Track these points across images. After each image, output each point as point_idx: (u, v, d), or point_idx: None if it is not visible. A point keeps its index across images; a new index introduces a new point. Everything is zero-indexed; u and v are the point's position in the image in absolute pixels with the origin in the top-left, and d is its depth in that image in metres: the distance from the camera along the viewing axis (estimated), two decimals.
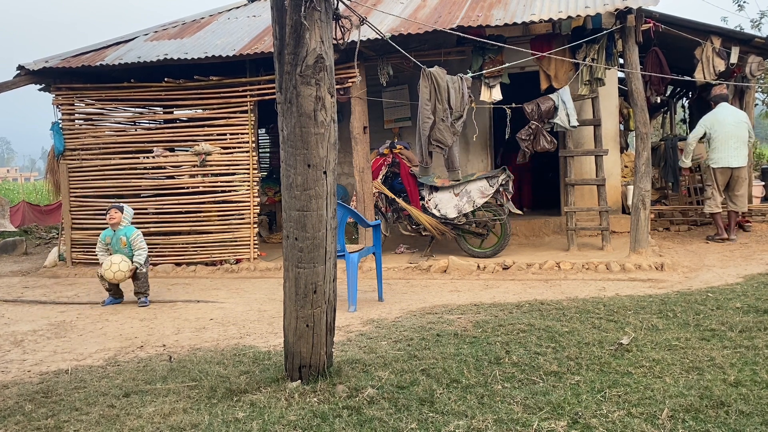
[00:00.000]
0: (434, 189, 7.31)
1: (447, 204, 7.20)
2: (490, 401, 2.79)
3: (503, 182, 7.03)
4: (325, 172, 3.01)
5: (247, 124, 7.71)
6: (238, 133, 7.79)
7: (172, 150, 8.33)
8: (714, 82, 7.83)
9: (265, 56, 7.12)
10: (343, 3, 3.36)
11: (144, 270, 5.85)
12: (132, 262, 5.78)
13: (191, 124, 8.21)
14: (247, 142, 7.72)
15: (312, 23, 2.89)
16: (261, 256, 7.79)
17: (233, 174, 7.80)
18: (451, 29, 6.22)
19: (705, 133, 7.65)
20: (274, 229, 9.86)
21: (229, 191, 7.82)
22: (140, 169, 8.06)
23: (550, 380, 3.03)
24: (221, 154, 7.79)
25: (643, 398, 2.76)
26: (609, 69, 6.97)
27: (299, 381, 3.07)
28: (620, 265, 6.29)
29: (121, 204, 6.05)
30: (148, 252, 6.02)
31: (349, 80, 7.12)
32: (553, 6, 6.84)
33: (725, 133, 7.50)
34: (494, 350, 3.48)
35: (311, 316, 3.07)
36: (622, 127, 9.97)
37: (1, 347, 4.47)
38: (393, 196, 7.42)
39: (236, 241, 7.72)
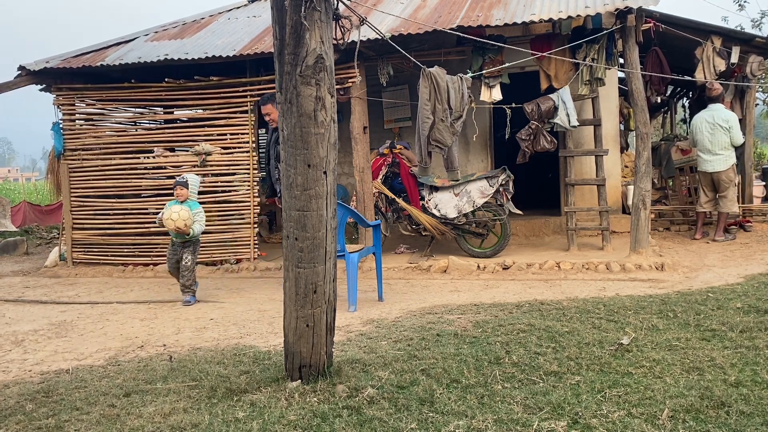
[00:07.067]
0: (434, 189, 7.31)
1: (447, 204, 7.20)
2: (490, 401, 2.79)
3: (503, 182, 7.03)
4: (325, 172, 3.01)
5: (247, 124, 7.72)
6: (238, 133, 7.80)
7: (172, 150, 8.33)
8: (708, 82, 7.85)
9: (265, 56, 7.12)
10: (343, 3, 3.36)
11: (190, 264, 5.79)
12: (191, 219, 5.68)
13: (191, 124, 8.21)
14: (248, 142, 7.72)
15: (312, 23, 2.89)
16: (261, 256, 7.79)
17: (233, 174, 7.81)
18: (451, 29, 6.22)
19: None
20: (274, 229, 9.86)
21: (229, 191, 7.83)
22: (141, 169, 8.06)
23: (550, 380, 3.03)
24: (221, 154, 7.80)
25: (644, 398, 2.76)
26: (609, 69, 6.97)
27: (299, 381, 3.07)
28: (620, 265, 6.29)
29: (185, 178, 5.89)
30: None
31: (349, 80, 7.12)
32: (553, 6, 6.84)
33: (699, 139, 7.74)
34: (494, 350, 3.48)
35: (311, 316, 3.07)
36: (622, 127, 9.97)
37: (2, 347, 4.47)
38: (393, 196, 7.42)
39: (236, 241, 7.73)
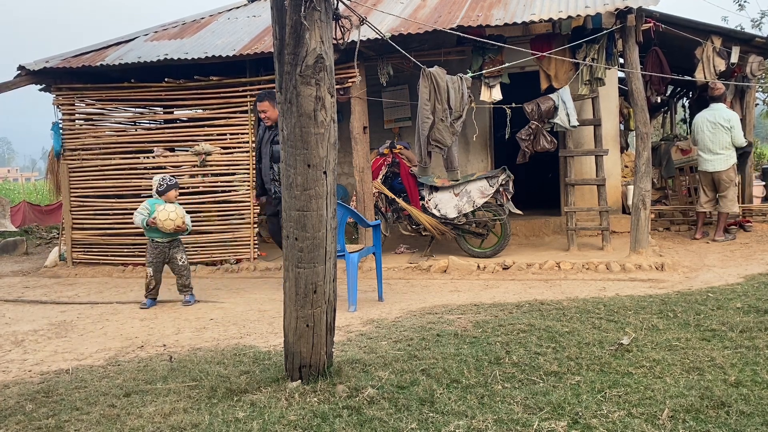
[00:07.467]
0: (434, 189, 7.31)
1: (447, 204, 7.20)
2: (490, 401, 2.79)
3: (503, 182, 7.03)
4: (325, 172, 3.01)
5: (247, 124, 7.72)
6: (238, 133, 7.80)
7: (172, 150, 8.33)
8: (711, 81, 7.85)
9: (265, 56, 7.12)
10: (343, 3, 3.36)
11: (186, 262, 5.80)
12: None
13: (191, 124, 8.21)
14: (247, 142, 7.72)
15: (312, 23, 2.89)
16: (261, 256, 7.79)
17: (233, 174, 7.80)
18: (451, 29, 6.21)
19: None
20: None
21: (229, 191, 7.82)
22: (140, 169, 8.06)
23: (550, 380, 3.03)
24: (221, 154, 7.80)
25: (644, 398, 2.76)
26: (609, 69, 6.97)
27: (299, 381, 3.07)
28: (620, 265, 6.29)
29: (174, 180, 5.96)
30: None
31: (349, 80, 7.12)
32: (553, 6, 6.84)
33: (700, 138, 7.76)
34: (494, 350, 3.48)
35: (311, 316, 3.07)
36: (622, 127, 9.97)
37: (2, 347, 4.47)
38: (393, 196, 7.42)
39: (236, 241, 7.73)
